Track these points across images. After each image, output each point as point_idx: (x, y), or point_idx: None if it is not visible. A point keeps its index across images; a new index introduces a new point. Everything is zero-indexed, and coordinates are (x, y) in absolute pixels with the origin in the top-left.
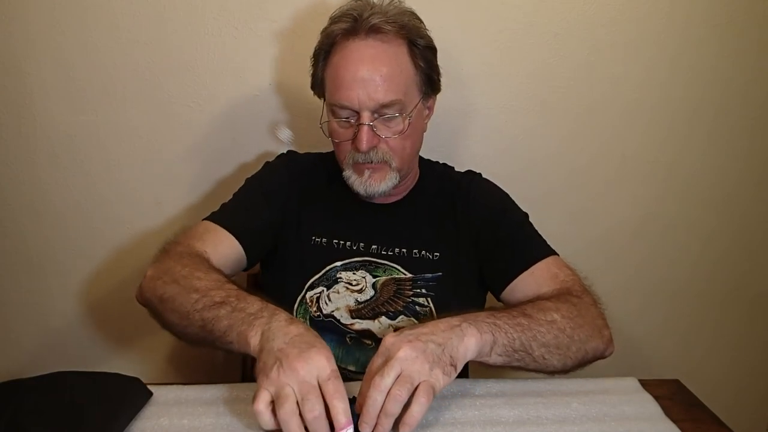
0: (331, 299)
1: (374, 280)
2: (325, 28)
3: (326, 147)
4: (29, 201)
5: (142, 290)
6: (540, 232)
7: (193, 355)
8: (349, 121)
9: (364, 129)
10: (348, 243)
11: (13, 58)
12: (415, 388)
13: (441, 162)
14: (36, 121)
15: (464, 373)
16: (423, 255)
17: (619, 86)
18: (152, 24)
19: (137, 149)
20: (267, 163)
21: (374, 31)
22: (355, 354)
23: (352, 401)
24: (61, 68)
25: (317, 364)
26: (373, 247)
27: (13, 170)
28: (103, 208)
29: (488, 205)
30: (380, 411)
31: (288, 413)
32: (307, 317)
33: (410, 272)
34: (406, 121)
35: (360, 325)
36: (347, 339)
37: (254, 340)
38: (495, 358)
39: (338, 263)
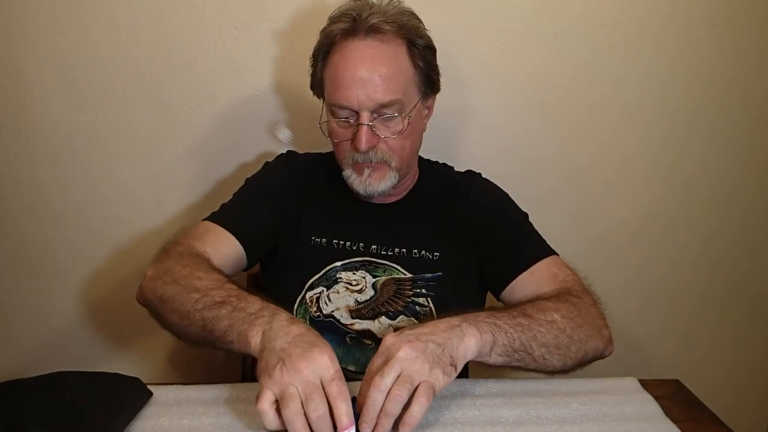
0: (331, 299)
1: (374, 280)
2: (324, 28)
3: (326, 147)
4: (29, 201)
5: (142, 290)
6: (540, 232)
7: (193, 355)
8: (348, 121)
9: (364, 129)
10: (348, 243)
11: (13, 58)
12: (415, 388)
13: (441, 162)
14: (36, 121)
15: (464, 373)
16: (423, 255)
17: (619, 86)
18: (152, 24)
19: (137, 149)
20: (267, 163)
21: (373, 31)
22: (355, 354)
23: (353, 401)
24: (61, 68)
25: (320, 363)
26: (373, 247)
27: (13, 170)
28: (103, 208)
29: (488, 205)
30: (380, 411)
31: (293, 413)
32: (307, 317)
33: (410, 272)
34: (406, 121)
35: (360, 325)
36: (347, 339)
37: (255, 340)
38: (495, 358)
39: (338, 263)
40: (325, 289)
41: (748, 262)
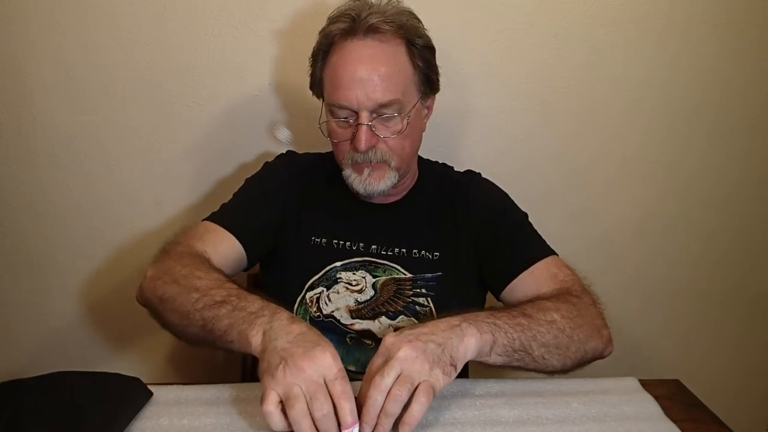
0: (331, 299)
1: (374, 280)
2: (324, 29)
3: (325, 147)
4: (29, 201)
5: (142, 290)
6: (540, 232)
7: (193, 355)
8: (347, 121)
9: (363, 129)
10: (348, 243)
11: (13, 58)
12: (415, 388)
13: (440, 162)
14: (36, 121)
15: (464, 373)
16: (423, 255)
17: (619, 86)
18: (152, 24)
19: (137, 149)
20: (266, 163)
21: (372, 31)
22: (356, 354)
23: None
24: (61, 68)
25: (323, 362)
26: (373, 247)
27: (13, 170)
28: (103, 208)
29: (488, 204)
30: (380, 411)
31: (300, 414)
32: (307, 317)
33: (410, 272)
34: (405, 121)
35: (360, 325)
36: (347, 339)
37: (256, 340)
38: (495, 358)
39: (338, 263)
40: (325, 289)
41: (748, 262)
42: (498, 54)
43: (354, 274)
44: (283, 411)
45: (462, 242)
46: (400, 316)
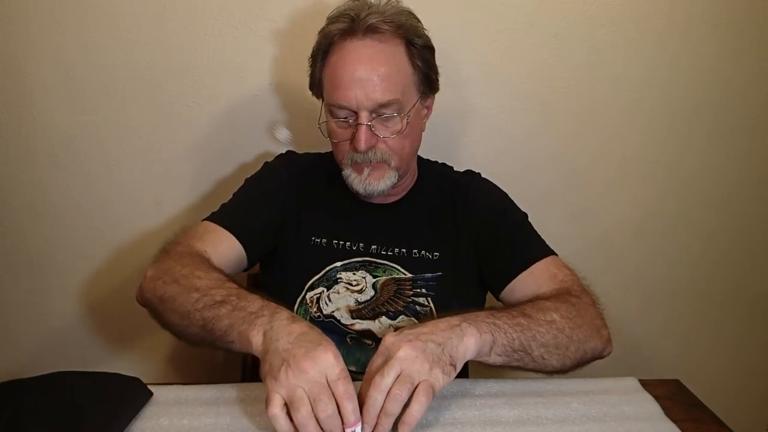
0: (332, 299)
1: (374, 280)
2: (323, 29)
3: (325, 147)
4: (29, 201)
5: (142, 291)
6: (540, 232)
7: (193, 355)
8: (347, 121)
9: (363, 129)
10: (348, 243)
11: (13, 58)
12: (415, 388)
13: (440, 162)
14: (36, 121)
15: (464, 373)
16: (423, 255)
17: (619, 86)
18: (152, 24)
19: (137, 149)
20: (266, 163)
21: (372, 30)
22: (356, 354)
23: None
24: (61, 68)
25: (325, 362)
26: (373, 247)
27: (13, 170)
28: (103, 208)
29: (488, 204)
30: (380, 411)
31: (305, 417)
32: (308, 318)
33: (410, 272)
34: (405, 121)
35: (360, 325)
36: (348, 339)
37: (257, 340)
38: (494, 358)
39: (338, 263)
40: (325, 289)
41: (748, 262)
42: (498, 54)
43: (354, 274)
44: (288, 413)
45: (462, 242)
46: (401, 316)
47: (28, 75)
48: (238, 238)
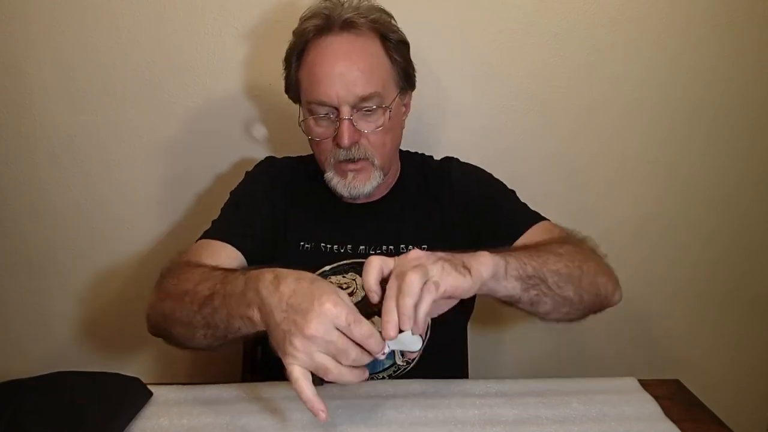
0: None
1: None
2: (297, 28)
3: None
4: (29, 201)
5: (148, 319)
6: None
7: (193, 355)
8: (328, 117)
9: (345, 123)
10: (335, 246)
11: (13, 58)
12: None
13: (419, 153)
14: (36, 121)
15: (464, 373)
16: (411, 249)
17: (619, 86)
18: (152, 24)
19: (137, 149)
20: (247, 172)
21: (348, 26)
22: None
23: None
24: (61, 68)
25: (327, 317)
26: (361, 248)
27: (13, 170)
28: (103, 208)
29: (472, 185)
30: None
31: (336, 374)
32: None
33: None
34: (387, 114)
35: None
36: None
37: (256, 318)
38: (512, 283)
39: (327, 267)
40: None
41: (748, 262)
42: (498, 54)
43: (344, 277)
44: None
45: (451, 229)
46: None
47: (28, 75)
48: (236, 246)
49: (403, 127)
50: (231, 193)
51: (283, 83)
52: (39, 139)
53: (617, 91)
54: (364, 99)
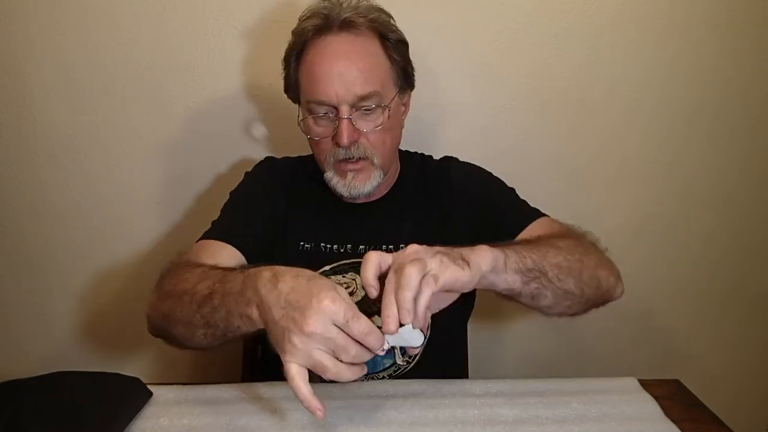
0: None
1: None
2: (296, 28)
3: None
4: (29, 201)
5: (148, 320)
6: None
7: (194, 355)
8: (327, 116)
9: (344, 123)
10: (335, 246)
11: (13, 58)
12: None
13: (418, 152)
14: (36, 121)
15: (464, 373)
16: None
17: (619, 86)
18: (152, 24)
19: (137, 149)
20: (247, 173)
21: (347, 25)
22: None
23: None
24: (61, 68)
25: (326, 314)
26: (361, 247)
27: (13, 170)
28: (103, 208)
29: (472, 184)
30: (396, 298)
31: (335, 372)
32: None
33: None
34: (386, 113)
35: None
36: None
37: (255, 317)
38: (512, 276)
39: (327, 267)
40: None
41: (748, 262)
42: (498, 54)
43: (344, 277)
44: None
45: (451, 229)
46: None
47: (28, 75)
48: (236, 246)
49: (402, 127)
50: (231, 193)
51: (282, 83)
52: (39, 139)
53: (617, 91)
54: (363, 98)
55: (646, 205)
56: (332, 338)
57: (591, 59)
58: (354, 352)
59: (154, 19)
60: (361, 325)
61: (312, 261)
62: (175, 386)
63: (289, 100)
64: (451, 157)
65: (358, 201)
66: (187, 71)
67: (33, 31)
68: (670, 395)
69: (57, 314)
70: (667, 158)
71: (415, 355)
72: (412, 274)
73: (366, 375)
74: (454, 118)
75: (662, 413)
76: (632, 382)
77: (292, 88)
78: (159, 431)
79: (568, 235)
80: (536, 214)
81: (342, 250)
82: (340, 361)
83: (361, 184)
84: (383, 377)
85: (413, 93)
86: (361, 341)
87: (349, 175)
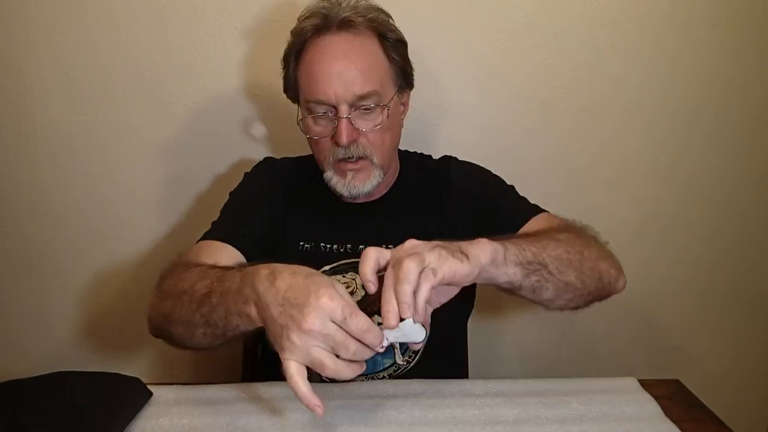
0: None
1: None
2: (295, 28)
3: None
4: (29, 201)
5: (150, 321)
6: None
7: (194, 355)
8: (327, 116)
9: (343, 122)
10: (335, 246)
11: (13, 58)
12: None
13: (417, 152)
14: (36, 121)
15: (464, 372)
16: None
17: (619, 86)
18: (152, 24)
19: (137, 149)
20: (246, 173)
21: (346, 25)
22: None
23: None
24: (61, 68)
25: (324, 311)
26: (361, 247)
27: (13, 170)
28: (103, 208)
29: (471, 183)
30: (397, 297)
31: (334, 370)
32: None
33: None
34: (385, 113)
35: None
36: None
37: (253, 315)
38: (512, 269)
39: (327, 267)
40: None
41: (748, 262)
42: (498, 54)
43: (344, 277)
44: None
45: (450, 228)
46: None
47: (28, 75)
48: (236, 247)
49: (401, 126)
50: (230, 194)
51: (282, 83)
52: (39, 139)
53: (617, 91)
54: (362, 97)
55: (646, 205)
56: (331, 335)
57: (591, 59)
58: (353, 348)
59: (154, 19)
60: (360, 321)
61: (312, 261)
62: (175, 386)
63: (289, 100)
64: (450, 156)
65: (358, 201)
66: (187, 71)
67: (33, 31)
68: (670, 395)
69: (57, 314)
70: (667, 158)
71: (415, 355)
72: (410, 268)
73: (366, 375)
74: (455, 118)
75: (662, 413)
76: (632, 382)
77: (292, 88)
78: (159, 431)
79: (568, 229)
80: (536, 209)
81: (342, 250)
82: (340, 358)
83: (360, 183)
84: (383, 377)
85: (414, 93)
86: (359, 338)
87: (349, 175)
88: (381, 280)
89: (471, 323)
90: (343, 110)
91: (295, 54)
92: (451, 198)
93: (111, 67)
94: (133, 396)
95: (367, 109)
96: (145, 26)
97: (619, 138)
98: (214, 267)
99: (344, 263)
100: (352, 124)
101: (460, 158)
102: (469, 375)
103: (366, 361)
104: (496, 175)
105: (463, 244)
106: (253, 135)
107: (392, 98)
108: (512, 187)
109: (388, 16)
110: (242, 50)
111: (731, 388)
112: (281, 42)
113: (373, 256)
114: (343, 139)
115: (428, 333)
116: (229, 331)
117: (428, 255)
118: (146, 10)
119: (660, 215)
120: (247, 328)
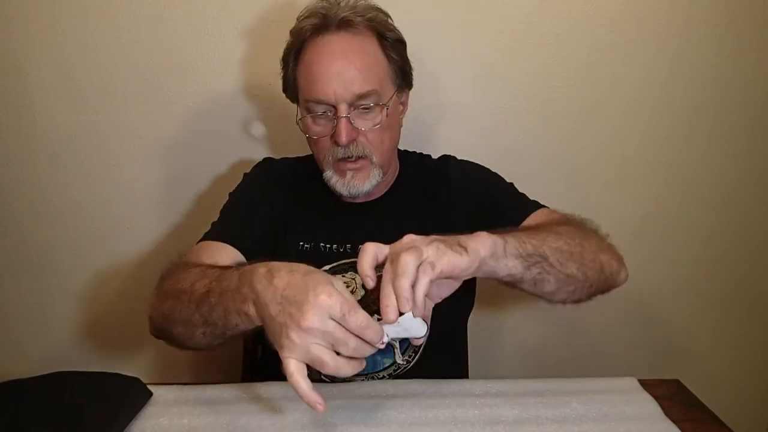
0: None
1: None
2: (294, 28)
3: None
4: (29, 201)
5: (151, 322)
6: None
7: (194, 355)
8: (326, 115)
9: (343, 121)
10: (334, 246)
11: (13, 58)
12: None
13: (416, 152)
14: (36, 121)
15: (464, 372)
16: None
17: (619, 86)
18: (152, 24)
19: (137, 149)
20: (245, 174)
21: (345, 24)
22: None
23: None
24: (61, 68)
25: (323, 308)
26: (360, 247)
27: (13, 170)
28: (103, 208)
29: (470, 182)
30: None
31: (334, 367)
32: None
33: None
34: (384, 112)
35: None
36: None
37: (252, 314)
38: (512, 261)
39: (327, 267)
40: None
41: (748, 262)
42: (499, 54)
43: (344, 276)
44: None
45: (450, 226)
46: None
47: (28, 75)
48: (236, 247)
49: (401, 126)
50: (230, 194)
51: (281, 83)
52: (39, 139)
53: (617, 91)
54: (361, 97)
55: (646, 205)
56: (330, 332)
57: (591, 59)
58: (353, 345)
59: (154, 19)
60: (359, 318)
61: (312, 261)
62: (175, 386)
63: (288, 100)
64: (449, 155)
65: (358, 200)
66: (187, 71)
67: (33, 31)
68: (670, 395)
69: (57, 314)
70: (667, 158)
71: (415, 355)
72: (408, 261)
73: (366, 374)
74: (455, 118)
75: (662, 413)
76: (632, 382)
77: (291, 88)
78: (159, 431)
79: (568, 222)
80: (536, 205)
81: (341, 250)
82: (340, 355)
83: (360, 183)
84: (383, 377)
85: (413, 93)
86: (359, 335)
87: (349, 174)
88: (381, 278)
89: (471, 322)
90: (343, 109)
91: (295, 54)
92: (450, 197)
93: (111, 67)
94: (133, 396)
95: (366, 109)
96: (145, 26)
97: (619, 138)
98: (213, 267)
99: (344, 263)
100: (351, 123)
101: (459, 158)
102: (469, 374)
103: (366, 361)
104: (494, 173)
105: (462, 238)
106: (253, 135)
107: (391, 98)
108: (511, 184)
109: (387, 15)
110: (242, 50)
111: (731, 388)
112: (281, 42)
113: (371, 252)
114: (343, 138)
115: (429, 328)
116: (229, 330)
117: (426, 249)
118: (146, 10)
119: (660, 215)
120: (247, 327)
